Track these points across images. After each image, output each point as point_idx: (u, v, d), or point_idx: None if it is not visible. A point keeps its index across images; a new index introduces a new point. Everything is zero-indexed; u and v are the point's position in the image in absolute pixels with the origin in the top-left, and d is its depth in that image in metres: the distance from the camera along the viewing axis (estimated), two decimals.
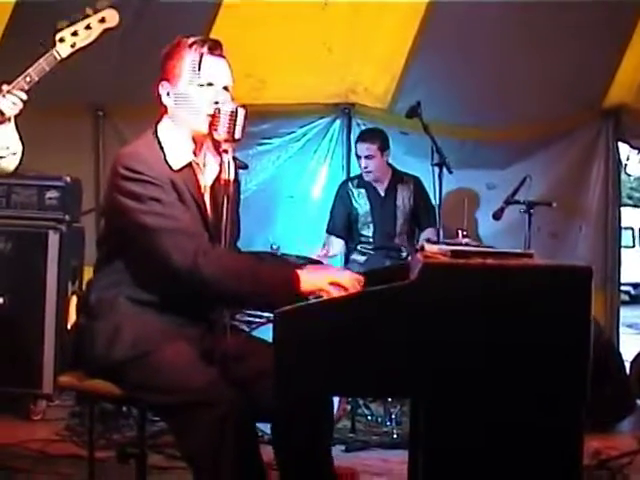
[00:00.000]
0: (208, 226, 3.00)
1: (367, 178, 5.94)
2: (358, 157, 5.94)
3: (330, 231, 6.06)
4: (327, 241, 6.03)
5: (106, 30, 3.53)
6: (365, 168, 5.89)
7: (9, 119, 3.72)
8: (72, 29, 3.51)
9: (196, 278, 2.78)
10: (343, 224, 6.01)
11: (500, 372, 2.41)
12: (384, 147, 5.89)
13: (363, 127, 6.50)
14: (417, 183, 5.97)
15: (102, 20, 3.49)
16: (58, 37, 3.53)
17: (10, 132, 3.84)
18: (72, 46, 3.54)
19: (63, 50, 3.54)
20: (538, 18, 5.96)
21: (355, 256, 5.96)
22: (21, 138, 3.94)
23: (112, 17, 3.49)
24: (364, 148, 5.88)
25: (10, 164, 3.94)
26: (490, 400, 2.43)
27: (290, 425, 2.99)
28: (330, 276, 2.80)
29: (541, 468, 2.45)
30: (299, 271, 2.80)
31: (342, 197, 6.03)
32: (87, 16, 3.51)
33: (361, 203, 5.97)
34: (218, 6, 6.00)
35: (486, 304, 2.40)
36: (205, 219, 3.00)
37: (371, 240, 5.95)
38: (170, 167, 2.93)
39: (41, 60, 3.58)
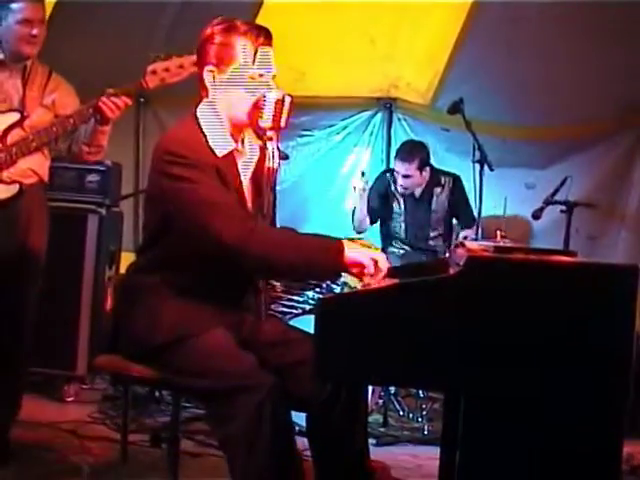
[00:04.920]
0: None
1: (402, 191, 5.88)
2: (397, 173, 5.84)
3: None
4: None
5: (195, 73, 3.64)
6: (401, 185, 5.83)
7: None
8: (165, 65, 3.63)
9: (245, 255, 2.81)
10: (378, 207, 5.92)
11: (541, 370, 2.39)
12: (423, 165, 5.81)
13: (404, 122, 6.48)
14: (456, 182, 5.91)
15: (194, 63, 3.58)
16: (150, 69, 3.66)
17: None
18: (161, 80, 3.67)
19: (152, 82, 3.69)
20: (582, 19, 5.91)
21: (392, 249, 5.93)
22: None
23: None
24: (403, 168, 5.78)
25: None
26: (529, 398, 2.41)
27: (326, 413, 2.98)
28: (372, 254, 2.84)
29: (580, 470, 2.42)
30: (344, 241, 2.84)
31: (378, 189, 5.96)
32: (181, 56, 3.63)
33: (397, 199, 5.92)
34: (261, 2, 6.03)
35: (529, 300, 2.38)
36: (244, 207, 2.99)
37: (404, 239, 5.92)
38: (213, 153, 2.92)
39: (129, 86, 3.73)
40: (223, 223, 2.81)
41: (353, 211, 5.88)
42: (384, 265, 2.82)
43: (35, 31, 3.97)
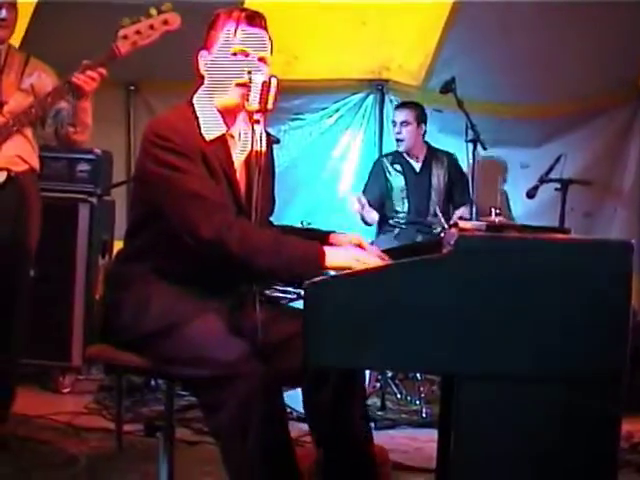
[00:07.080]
0: (239, 200, 2.96)
1: (400, 148, 5.90)
2: (394, 124, 5.90)
3: None
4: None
5: (166, 32, 3.60)
6: (398, 134, 5.86)
7: None
8: (135, 28, 3.61)
9: (220, 251, 2.76)
10: (377, 199, 5.93)
11: (536, 350, 2.35)
12: (421, 119, 5.89)
13: (396, 103, 6.46)
14: (452, 160, 5.94)
15: (165, 22, 3.59)
16: (121, 34, 3.63)
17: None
18: (133, 44, 3.64)
19: (124, 47, 3.65)
20: None
21: (387, 229, 5.91)
22: None
23: (174, 20, 3.62)
24: (401, 114, 5.87)
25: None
26: (525, 379, 2.37)
27: (320, 386, 2.95)
28: (355, 254, 2.77)
29: (577, 452, 2.39)
30: (325, 247, 2.77)
31: (377, 173, 5.98)
32: (150, 16, 3.58)
33: (396, 179, 5.92)
34: None
35: (522, 279, 2.34)
36: (236, 192, 2.96)
37: (404, 215, 5.89)
38: (203, 138, 2.89)
39: (102, 55, 3.70)
40: (203, 217, 2.77)
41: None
42: (372, 261, 2.73)
43: (3, 14, 3.94)
